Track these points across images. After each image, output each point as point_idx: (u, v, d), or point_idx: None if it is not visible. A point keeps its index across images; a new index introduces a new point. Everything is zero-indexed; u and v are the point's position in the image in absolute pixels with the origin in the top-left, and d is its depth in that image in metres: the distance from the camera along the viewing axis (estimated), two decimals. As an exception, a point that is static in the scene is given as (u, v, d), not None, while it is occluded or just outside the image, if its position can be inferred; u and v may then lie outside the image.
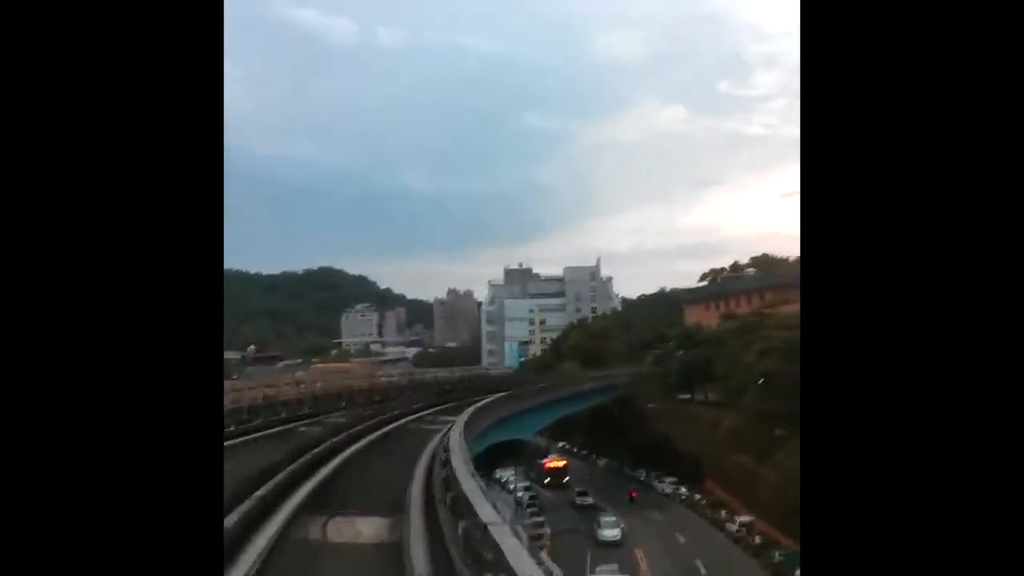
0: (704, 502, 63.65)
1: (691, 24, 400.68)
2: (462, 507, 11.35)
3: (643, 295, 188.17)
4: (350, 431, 26.15)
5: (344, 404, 44.97)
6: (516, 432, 60.56)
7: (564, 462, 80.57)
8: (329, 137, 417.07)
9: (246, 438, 23.64)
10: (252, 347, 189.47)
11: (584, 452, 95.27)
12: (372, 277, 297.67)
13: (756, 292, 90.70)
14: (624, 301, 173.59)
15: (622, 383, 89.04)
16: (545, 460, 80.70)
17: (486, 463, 47.62)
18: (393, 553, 10.88)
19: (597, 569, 43.76)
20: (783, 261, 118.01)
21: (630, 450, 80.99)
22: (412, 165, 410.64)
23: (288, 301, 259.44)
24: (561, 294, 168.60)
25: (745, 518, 53.95)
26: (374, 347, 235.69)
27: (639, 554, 49.67)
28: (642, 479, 75.81)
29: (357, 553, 11.82)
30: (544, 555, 9.59)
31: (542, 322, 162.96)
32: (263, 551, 10.28)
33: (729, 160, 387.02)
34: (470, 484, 12.37)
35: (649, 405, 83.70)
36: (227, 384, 29.12)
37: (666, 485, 70.78)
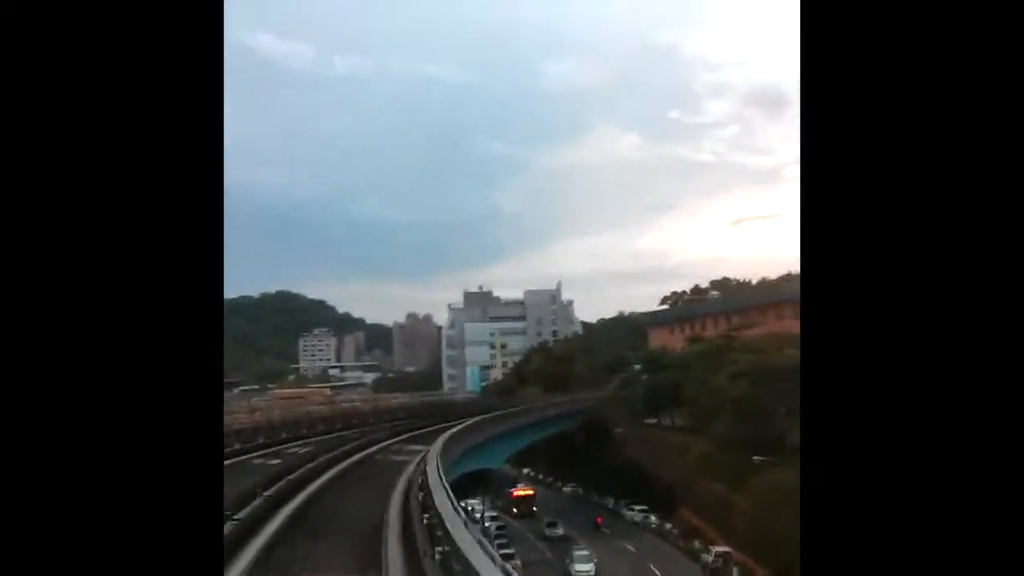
0: (676, 531, 61.75)
1: (643, 54, 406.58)
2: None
3: (602, 319, 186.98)
4: (310, 465, 23.98)
5: (304, 432, 42.76)
6: (485, 461, 58.45)
7: (531, 491, 78.15)
8: (286, 163, 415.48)
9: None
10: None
11: (549, 479, 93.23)
12: (331, 301, 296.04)
13: (722, 315, 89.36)
14: (584, 325, 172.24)
15: (587, 408, 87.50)
16: (513, 489, 78.38)
17: (455, 493, 45.43)
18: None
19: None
20: (746, 284, 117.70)
21: (596, 477, 79.13)
22: (371, 191, 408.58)
23: (245, 325, 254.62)
24: (522, 318, 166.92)
25: (721, 548, 51.99)
26: (332, 372, 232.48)
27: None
28: (610, 507, 73.92)
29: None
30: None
31: (503, 346, 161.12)
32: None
33: (681, 186, 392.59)
34: (476, 555, 9.81)
35: (617, 430, 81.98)
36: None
37: (635, 513, 68.86)
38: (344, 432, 46.16)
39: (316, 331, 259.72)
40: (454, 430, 42.85)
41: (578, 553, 51.19)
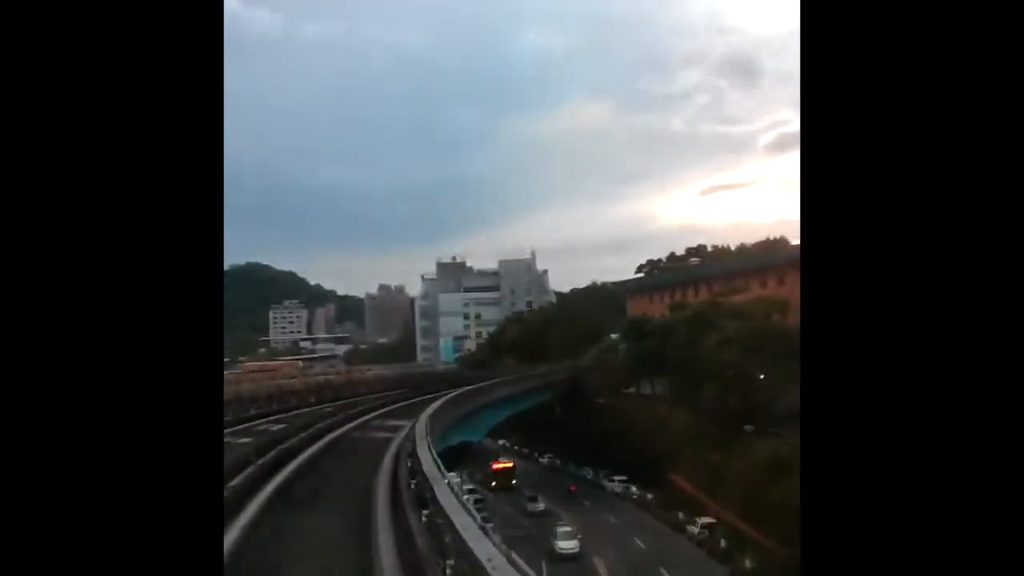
0: (656, 502, 60.29)
1: (612, 21, 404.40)
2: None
3: (575, 288, 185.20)
4: (283, 446, 21.75)
5: (275, 407, 40.58)
6: (467, 434, 56.54)
7: (511, 464, 76.46)
8: (251, 130, 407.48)
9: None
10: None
11: (525, 450, 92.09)
12: (301, 273, 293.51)
13: (703, 281, 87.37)
14: (558, 295, 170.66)
15: (565, 378, 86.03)
16: (492, 462, 76.71)
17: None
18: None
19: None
20: (726, 250, 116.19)
21: (575, 448, 77.79)
22: (337, 160, 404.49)
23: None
24: (496, 288, 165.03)
25: (707, 520, 50.49)
26: (303, 344, 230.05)
27: (598, 563, 46.01)
28: (589, 478, 72.56)
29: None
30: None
31: (477, 316, 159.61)
32: None
33: (651, 156, 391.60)
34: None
35: (597, 400, 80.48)
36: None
37: (615, 484, 67.53)
38: (318, 406, 44.01)
39: (287, 303, 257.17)
40: (436, 405, 40.54)
41: (561, 530, 49.25)
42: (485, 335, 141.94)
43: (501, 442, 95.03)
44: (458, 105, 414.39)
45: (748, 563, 42.32)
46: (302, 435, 25.42)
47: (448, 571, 7.76)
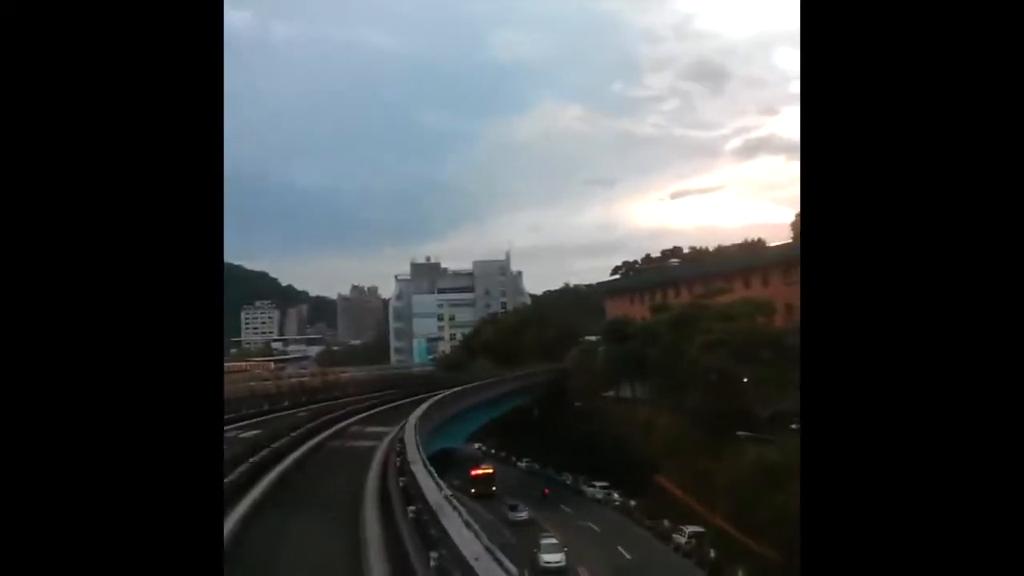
0: (639, 508, 58.64)
1: (584, 25, 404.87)
2: None
3: (548, 291, 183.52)
4: (253, 459, 19.77)
5: (246, 411, 38.51)
6: (447, 440, 54.50)
7: (491, 470, 74.29)
8: (224, 130, 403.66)
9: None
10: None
11: (503, 454, 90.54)
12: (273, 273, 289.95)
13: (684, 283, 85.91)
14: (532, 298, 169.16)
15: (543, 380, 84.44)
16: (472, 468, 74.63)
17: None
18: None
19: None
20: (704, 252, 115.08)
21: (553, 452, 76.19)
22: (311, 160, 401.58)
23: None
24: (470, 289, 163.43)
25: (695, 528, 48.81)
26: (275, 345, 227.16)
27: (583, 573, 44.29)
28: (568, 483, 70.92)
29: None
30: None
31: (451, 318, 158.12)
32: None
33: (622, 159, 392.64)
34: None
35: (575, 404, 78.87)
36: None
37: (596, 490, 65.92)
38: (292, 410, 42.01)
39: (258, 303, 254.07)
40: (421, 410, 38.51)
41: (546, 542, 46.81)
42: (459, 337, 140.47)
43: (477, 446, 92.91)
44: (432, 107, 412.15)
45: (740, 574, 40.82)
46: (274, 445, 23.40)
47: None
